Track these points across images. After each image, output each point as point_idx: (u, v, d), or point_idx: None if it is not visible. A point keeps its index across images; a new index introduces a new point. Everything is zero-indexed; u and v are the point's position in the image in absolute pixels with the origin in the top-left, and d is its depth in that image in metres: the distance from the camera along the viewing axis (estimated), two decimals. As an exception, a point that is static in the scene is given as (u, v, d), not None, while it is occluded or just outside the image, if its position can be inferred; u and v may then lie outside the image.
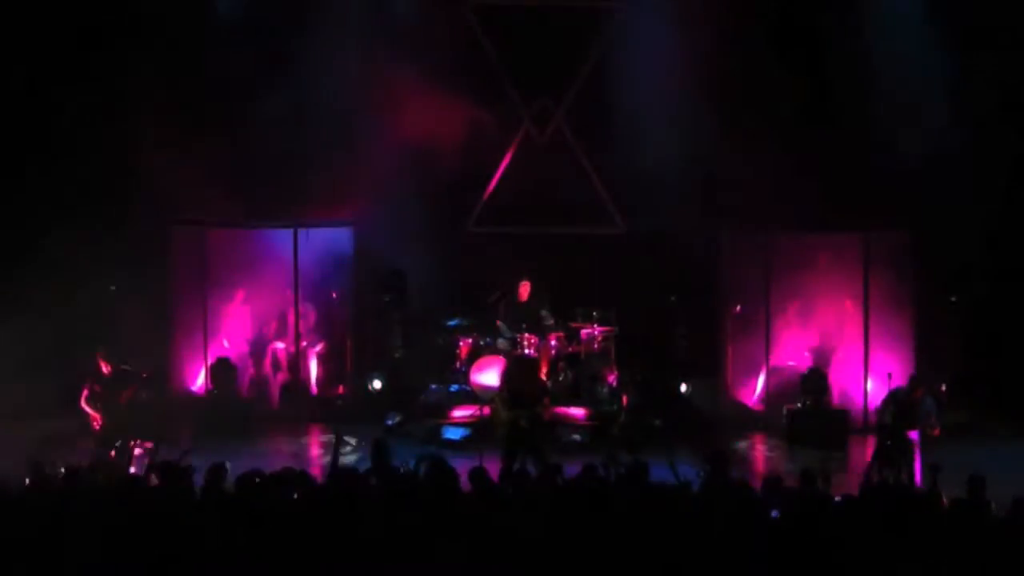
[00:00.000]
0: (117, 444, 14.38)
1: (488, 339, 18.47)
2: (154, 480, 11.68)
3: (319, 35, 19.11)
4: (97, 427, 15.50)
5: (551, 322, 18.42)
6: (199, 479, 11.55)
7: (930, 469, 12.82)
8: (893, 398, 15.30)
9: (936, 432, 15.15)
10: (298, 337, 19.29)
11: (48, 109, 18.63)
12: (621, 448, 15.07)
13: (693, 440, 16.38)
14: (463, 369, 18.44)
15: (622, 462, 12.52)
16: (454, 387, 18.40)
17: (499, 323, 18.57)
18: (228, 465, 11.64)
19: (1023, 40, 18.49)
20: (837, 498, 11.09)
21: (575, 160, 20.64)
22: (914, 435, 14.89)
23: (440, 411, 18.08)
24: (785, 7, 19.38)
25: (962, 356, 18.43)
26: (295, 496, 10.86)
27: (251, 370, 19.29)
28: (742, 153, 18.75)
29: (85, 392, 15.62)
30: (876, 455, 14.83)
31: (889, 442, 14.86)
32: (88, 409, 15.54)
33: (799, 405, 18.08)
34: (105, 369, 15.68)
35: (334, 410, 18.84)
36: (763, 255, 18.84)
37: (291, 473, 11.42)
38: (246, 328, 19.52)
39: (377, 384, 19.05)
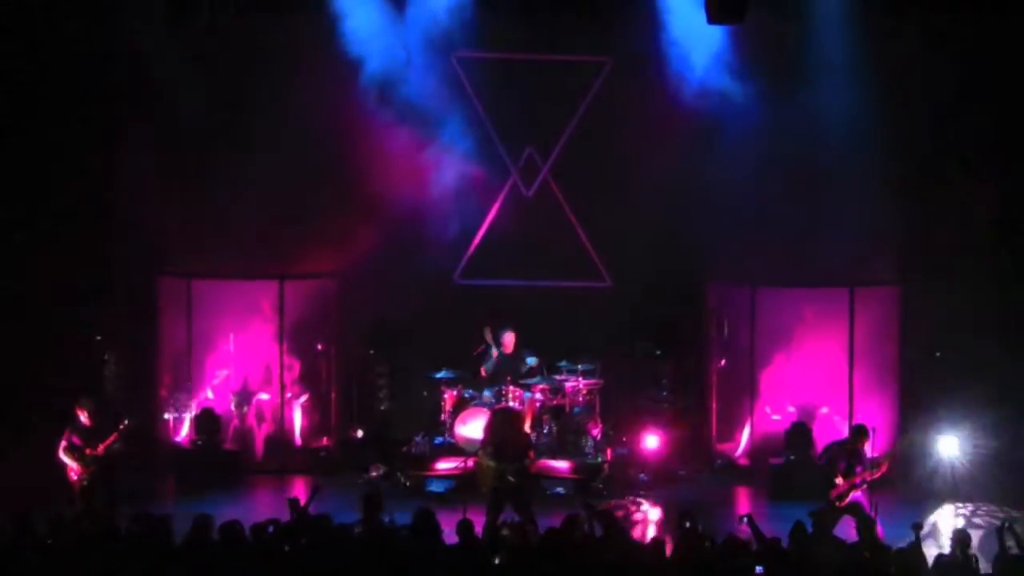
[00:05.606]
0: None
1: (473, 391, 18.45)
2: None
3: (305, 89, 19.17)
4: (74, 478, 15.33)
5: (534, 367, 18.35)
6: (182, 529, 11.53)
7: (912, 527, 12.83)
8: (831, 450, 14.97)
9: (884, 469, 14.42)
10: (283, 388, 19.27)
11: (35, 158, 18.59)
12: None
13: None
14: (448, 421, 18.40)
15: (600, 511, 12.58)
16: (438, 439, 18.37)
17: (484, 371, 18.57)
18: (213, 515, 11.63)
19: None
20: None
21: (562, 213, 20.64)
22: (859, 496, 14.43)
23: (424, 463, 18.03)
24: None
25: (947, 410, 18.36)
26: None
27: (235, 421, 19.23)
28: (729, 207, 18.85)
29: (63, 443, 15.41)
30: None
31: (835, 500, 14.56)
32: (66, 459, 15.36)
33: (783, 460, 18.06)
34: (84, 420, 15.49)
35: (318, 461, 18.89)
36: (749, 309, 18.85)
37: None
38: (231, 379, 19.47)
39: (359, 433, 19.12)
